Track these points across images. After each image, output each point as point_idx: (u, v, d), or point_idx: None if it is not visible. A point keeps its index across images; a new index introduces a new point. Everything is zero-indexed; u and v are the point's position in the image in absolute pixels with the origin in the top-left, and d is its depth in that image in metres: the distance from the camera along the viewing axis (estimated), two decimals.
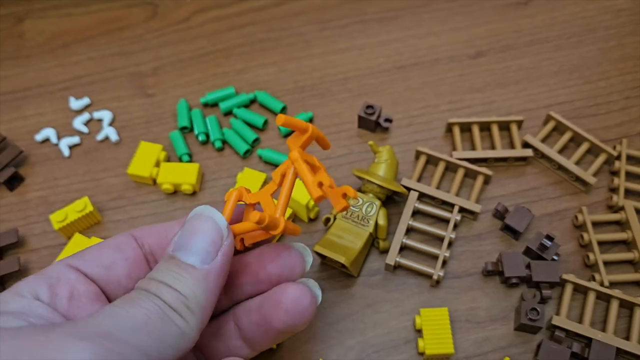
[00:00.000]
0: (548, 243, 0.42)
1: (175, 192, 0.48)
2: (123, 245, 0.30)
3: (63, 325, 0.23)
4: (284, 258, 0.31)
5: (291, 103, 0.52)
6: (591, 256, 0.43)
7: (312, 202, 0.44)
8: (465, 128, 0.49)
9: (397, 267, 0.43)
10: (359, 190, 0.45)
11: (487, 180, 0.46)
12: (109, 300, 0.29)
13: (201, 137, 0.50)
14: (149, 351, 0.23)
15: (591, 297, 0.41)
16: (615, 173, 0.47)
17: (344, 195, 0.28)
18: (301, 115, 0.50)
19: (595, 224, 0.45)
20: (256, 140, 0.50)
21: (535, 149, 0.48)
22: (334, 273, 0.44)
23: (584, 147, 0.48)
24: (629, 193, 0.46)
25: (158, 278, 0.26)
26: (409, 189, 0.45)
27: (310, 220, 0.46)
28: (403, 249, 0.44)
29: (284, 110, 0.52)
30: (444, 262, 0.43)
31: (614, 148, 0.48)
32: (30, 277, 0.27)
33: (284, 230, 0.29)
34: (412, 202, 0.45)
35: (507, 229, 0.45)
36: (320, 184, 0.28)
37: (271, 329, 0.30)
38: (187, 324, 0.25)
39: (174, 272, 0.26)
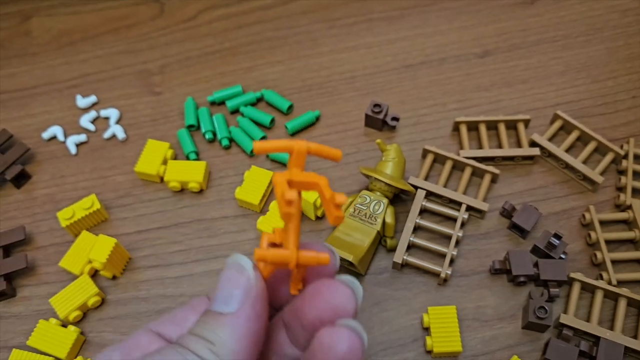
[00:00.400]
0: (556, 242, 0.42)
1: (182, 190, 0.48)
2: (196, 305, 0.29)
3: None
4: (327, 296, 0.26)
5: (298, 101, 0.52)
6: (599, 255, 0.43)
7: (319, 200, 0.44)
8: (473, 127, 0.49)
9: (405, 265, 0.43)
10: (367, 188, 0.45)
11: (494, 178, 0.46)
12: None
13: (208, 135, 0.50)
14: None
15: (599, 295, 0.41)
16: (622, 172, 0.47)
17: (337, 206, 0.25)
18: (308, 114, 0.50)
19: (603, 223, 0.45)
20: (263, 139, 0.50)
21: (542, 148, 0.48)
22: (341, 271, 0.44)
23: (591, 146, 0.48)
24: (636, 192, 0.46)
25: (193, 331, 0.25)
26: (416, 188, 0.45)
27: (318, 218, 0.46)
28: (410, 247, 0.44)
29: (290, 108, 0.52)
30: (452, 261, 0.43)
31: (621, 147, 0.48)
32: (109, 346, 0.27)
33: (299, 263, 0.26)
34: (419, 201, 0.45)
35: (515, 227, 0.45)
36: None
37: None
38: None
39: (203, 322, 0.25)
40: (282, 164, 0.49)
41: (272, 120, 0.51)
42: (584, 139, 0.49)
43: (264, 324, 0.26)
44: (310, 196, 0.43)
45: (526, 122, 0.49)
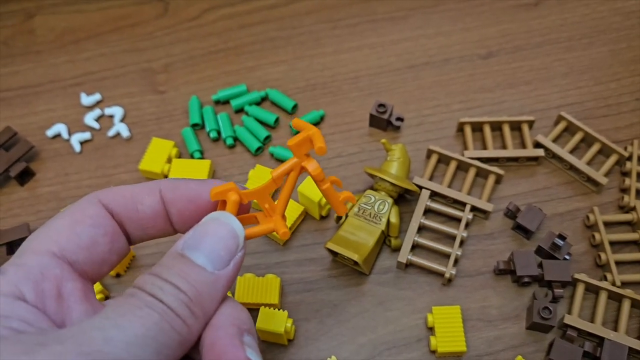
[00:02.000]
0: (560, 242, 0.42)
1: None
2: (97, 218, 0.27)
3: (48, 343, 0.20)
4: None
5: (302, 101, 0.52)
6: (603, 256, 0.43)
7: (324, 200, 0.44)
8: (477, 128, 0.49)
9: (409, 265, 0.43)
10: (371, 188, 0.45)
11: (498, 179, 0.47)
12: (92, 281, 0.27)
13: (213, 134, 0.50)
14: None
15: (603, 296, 0.41)
16: (626, 174, 0.47)
17: (345, 202, 0.32)
18: (312, 114, 0.50)
19: (607, 224, 0.45)
20: (267, 138, 0.50)
21: (546, 149, 0.48)
22: (346, 271, 0.44)
23: (595, 147, 0.48)
24: None
25: (162, 275, 0.23)
26: (420, 188, 0.45)
27: (322, 217, 0.46)
28: (415, 247, 0.44)
29: (295, 108, 0.52)
30: (456, 261, 0.43)
31: (625, 149, 0.48)
32: (8, 269, 0.24)
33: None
34: (424, 201, 0.45)
35: (519, 228, 0.45)
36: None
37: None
38: (189, 330, 0.23)
39: (181, 270, 0.24)
40: None
41: (277, 120, 0.51)
42: (588, 140, 0.49)
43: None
44: (315, 195, 0.43)
45: (530, 123, 0.49)
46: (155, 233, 0.30)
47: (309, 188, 0.44)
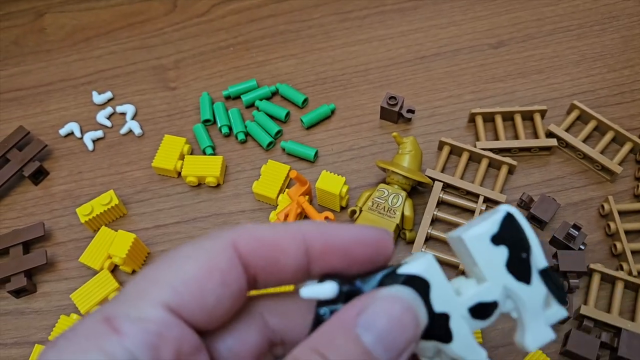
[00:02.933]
0: (575, 232, 0.42)
1: (200, 185, 0.48)
2: (229, 275, 0.22)
3: None
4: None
5: (313, 95, 0.52)
6: (618, 245, 0.43)
7: (344, 191, 0.44)
8: (488, 118, 0.49)
9: None
10: (383, 181, 0.45)
11: (511, 170, 0.46)
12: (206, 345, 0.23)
13: (224, 130, 0.50)
14: None
15: (619, 286, 0.41)
16: None
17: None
18: (323, 108, 0.50)
19: (622, 213, 0.44)
20: (279, 133, 0.50)
21: (559, 139, 0.47)
22: None
23: (609, 136, 0.47)
24: None
25: (330, 357, 0.19)
26: (433, 180, 0.45)
27: (342, 208, 0.46)
28: (428, 239, 0.44)
29: (305, 102, 0.52)
30: None
31: None
32: (125, 327, 0.19)
33: None
34: (436, 193, 0.45)
35: (533, 218, 0.44)
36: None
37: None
38: None
39: (353, 356, 0.19)
40: (299, 158, 0.49)
41: (288, 114, 0.51)
42: (601, 128, 0.48)
43: None
44: (334, 188, 0.43)
45: (543, 113, 0.49)
46: (283, 285, 0.25)
47: (325, 183, 0.44)
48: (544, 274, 0.24)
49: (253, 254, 0.22)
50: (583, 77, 0.51)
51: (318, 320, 0.21)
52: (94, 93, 0.54)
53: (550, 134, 0.48)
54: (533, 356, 0.39)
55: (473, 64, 0.53)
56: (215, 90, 0.53)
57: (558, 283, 0.24)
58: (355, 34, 0.55)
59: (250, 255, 0.22)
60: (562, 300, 0.23)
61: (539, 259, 0.24)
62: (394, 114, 0.49)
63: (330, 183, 0.44)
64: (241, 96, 0.52)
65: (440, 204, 0.45)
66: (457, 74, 0.52)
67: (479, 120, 0.48)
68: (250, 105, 0.52)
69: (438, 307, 0.22)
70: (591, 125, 0.48)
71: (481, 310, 0.23)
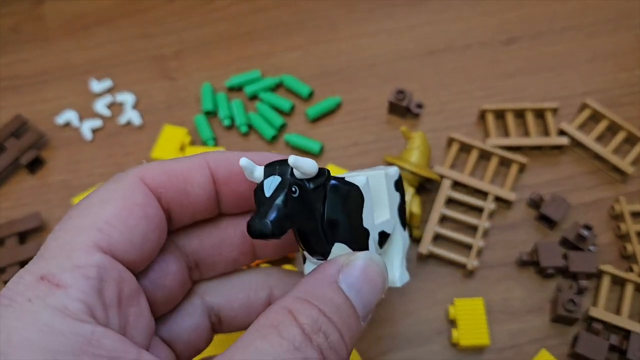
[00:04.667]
0: (585, 233, 0.41)
1: None
2: (147, 208, 0.22)
3: None
4: None
5: (318, 87, 0.51)
6: (629, 247, 0.42)
7: None
8: (499, 115, 0.48)
9: (430, 256, 0.42)
10: None
11: (521, 168, 0.45)
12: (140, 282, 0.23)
13: (226, 122, 0.49)
14: None
15: (629, 288, 0.40)
16: None
17: None
18: (328, 101, 0.49)
19: (633, 215, 0.44)
20: (283, 125, 0.49)
21: (571, 137, 0.46)
22: None
23: (621, 135, 0.46)
24: None
25: (324, 310, 0.21)
26: (441, 177, 0.44)
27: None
28: (436, 237, 0.43)
29: (310, 95, 0.50)
30: (478, 252, 0.42)
31: None
32: (66, 278, 0.19)
33: None
34: (444, 190, 0.43)
35: (542, 218, 0.43)
36: None
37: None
38: None
39: (344, 314, 0.21)
40: (302, 151, 0.47)
41: (292, 107, 0.50)
42: (613, 128, 0.47)
43: None
44: None
45: (554, 111, 0.48)
46: (201, 218, 0.25)
47: None
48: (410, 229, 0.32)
49: (162, 186, 0.23)
50: (595, 75, 0.50)
51: (291, 196, 0.22)
52: (93, 81, 0.52)
53: (561, 133, 0.47)
54: (541, 357, 0.38)
55: (483, 60, 0.52)
56: (217, 81, 0.52)
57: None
58: (362, 27, 0.54)
59: (160, 188, 0.23)
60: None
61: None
62: (402, 109, 0.48)
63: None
64: (244, 87, 0.51)
65: (449, 201, 0.44)
66: (467, 69, 0.51)
67: (489, 117, 0.47)
68: (254, 97, 0.51)
69: (365, 223, 0.25)
70: (603, 124, 0.47)
71: (383, 238, 0.27)
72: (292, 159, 0.21)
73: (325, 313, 0.20)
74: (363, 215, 0.25)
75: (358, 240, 0.24)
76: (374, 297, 0.23)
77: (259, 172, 0.22)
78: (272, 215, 0.21)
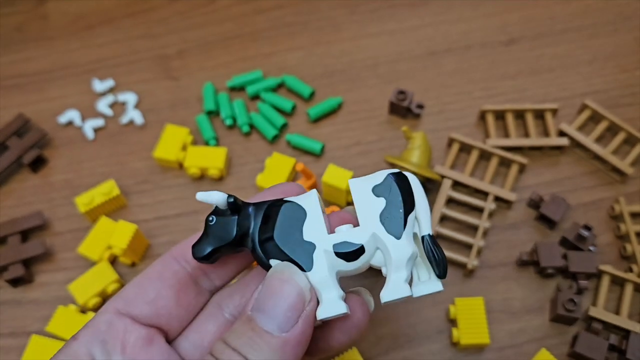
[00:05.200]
0: (585, 233, 0.41)
1: (202, 177, 0.47)
2: (164, 272, 0.28)
3: None
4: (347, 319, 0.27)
5: (320, 88, 0.51)
6: (628, 247, 0.42)
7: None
8: (499, 115, 0.48)
9: None
10: None
11: (521, 168, 0.45)
12: (165, 334, 0.28)
13: (228, 121, 0.49)
14: None
15: (629, 288, 0.41)
16: None
17: None
18: (330, 101, 0.49)
19: (633, 215, 0.44)
20: (284, 125, 0.49)
21: (570, 138, 0.46)
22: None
23: (620, 136, 0.47)
24: None
25: (232, 344, 0.24)
26: (442, 177, 0.44)
27: (349, 204, 0.45)
28: (436, 237, 0.43)
29: (312, 95, 0.51)
30: (478, 252, 0.42)
31: None
32: (82, 334, 0.26)
33: None
34: (445, 190, 0.44)
35: (542, 218, 0.44)
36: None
37: (323, 349, 0.28)
38: None
39: (249, 338, 0.24)
40: (304, 152, 0.48)
41: (294, 107, 0.50)
42: (613, 129, 0.47)
43: (306, 348, 0.25)
44: (342, 182, 0.42)
45: (554, 112, 0.48)
46: (238, 268, 0.29)
47: (332, 177, 0.43)
48: (426, 241, 0.26)
49: (187, 252, 0.28)
50: (595, 77, 0.51)
51: (207, 224, 0.26)
52: (95, 81, 0.53)
53: (561, 133, 0.47)
54: (541, 357, 0.38)
55: (484, 61, 0.52)
56: (220, 81, 0.52)
57: (439, 256, 0.26)
58: (364, 28, 0.55)
59: (186, 255, 0.28)
60: (440, 274, 0.26)
61: (424, 226, 0.26)
62: (403, 109, 0.48)
63: (338, 177, 0.43)
64: (246, 87, 0.51)
65: (449, 201, 0.44)
66: (468, 70, 0.51)
67: (490, 118, 0.48)
68: (255, 97, 0.51)
69: (307, 236, 0.26)
70: (603, 125, 0.47)
71: (346, 250, 0.26)
72: (198, 196, 0.26)
73: (229, 343, 0.24)
74: (304, 230, 0.26)
75: (297, 254, 0.25)
76: (282, 306, 0.24)
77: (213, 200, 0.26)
78: (196, 243, 0.26)
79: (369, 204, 0.26)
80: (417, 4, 0.56)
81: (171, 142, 0.47)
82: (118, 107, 0.52)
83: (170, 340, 0.28)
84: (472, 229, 0.43)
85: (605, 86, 0.50)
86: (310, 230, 0.26)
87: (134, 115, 0.51)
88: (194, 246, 0.26)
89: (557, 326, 0.40)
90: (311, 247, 0.26)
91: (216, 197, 0.26)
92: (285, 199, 0.27)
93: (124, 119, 0.51)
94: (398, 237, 0.26)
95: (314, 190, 0.27)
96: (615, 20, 0.54)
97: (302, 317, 0.24)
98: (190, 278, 0.28)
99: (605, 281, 0.41)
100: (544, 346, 0.39)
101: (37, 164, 0.49)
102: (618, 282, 0.41)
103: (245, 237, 0.26)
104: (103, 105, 0.51)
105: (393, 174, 0.26)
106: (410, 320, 0.41)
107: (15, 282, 0.43)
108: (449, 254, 0.42)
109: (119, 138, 0.50)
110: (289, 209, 0.26)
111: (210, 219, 0.26)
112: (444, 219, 0.44)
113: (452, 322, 0.40)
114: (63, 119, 0.51)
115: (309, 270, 0.25)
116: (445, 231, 0.42)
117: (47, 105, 0.52)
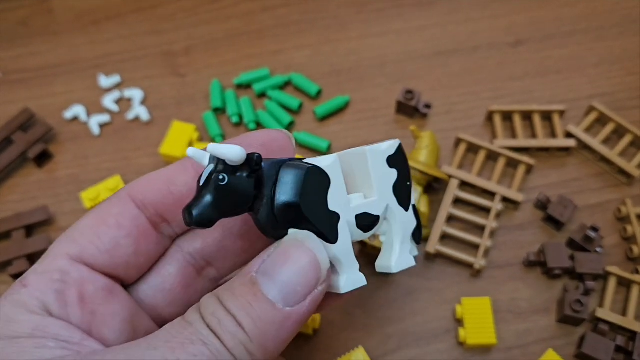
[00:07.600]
0: (592, 234, 0.41)
1: None
2: (122, 218, 0.25)
3: None
4: None
5: (327, 87, 0.51)
6: (635, 249, 0.42)
7: None
8: (506, 116, 0.48)
9: (437, 255, 0.42)
10: None
11: (528, 169, 0.46)
12: (122, 282, 0.26)
13: (235, 119, 0.49)
14: None
15: (635, 290, 0.41)
16: None
17: None
18: (337, 100, 0.49)
19: (639, 217, 0.44)
20: (291, 124, 0.49)
21: (578, 140, 0.47)
22: (373, 260, 0.43)
23: (627, 139, 0.47)
24: None
25: (226, 304, 0.21)
26: (449, 177, 0.44)
27: None
28: (443, 237, 0.43)
29: (319, 93, 0.51)
30: (486, 252, 0.42)
31: None
32: (30, 278, 0.23)
33: None
34: (452, 190, 0.44)
35: (549, 219, 0.44)
36: None
37: None
38: None
39: (247, 303, 0.21)
40: (311, 150, 0.48)
41: (300, 105, 0.50)
42: (620, 131, 0.48)
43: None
44: None
45: (561, 113, 0.48)
46: None
47: None
48: (415, 209, 0.27)
49: (146, 194, 0.25)
50: (601, 79, 0.51)
51: (217, 185, 0.21)
52: (102, 76, 0.52)
53: (568, 135, 0.47)
54: (548, 357, 0.38)
55: (491, 62, 0.52)
56: (226, 78, 0.52)
57: (419, 222, 0.28)
58: (371, 27, 0.55)
59: (144, 196, 0.25)
60: (417, 240, 0.28)
61: (413, 196, 0.27)
62: (410, 109, 0.48)
63: None
64: (253, 85, 0.51)
65: (456, 201, 0.44)
66: (475, 71, 0.51)
67: (497, 118, 0.48)
68: (262, 95, 0.51)
69: (332, 206, 0.24)
70: (609, 127, 0.47)
71: (365, 221, 0.25)
72: (210, 147, 0.21)
73: (223, 302, 0.21)
74: (329, 198, 0.23)
75: (323, 224, 0.23)
76: (294, 278, 0.22)
77: (207, 160, 0.22)
78: (196, 206, 0.21)
79: (384, 176, 0.26)
80: (424, 4, 0.56)
81: (177, 139, 0.47)
82: (124, 103, 0.52)
83: (127, 286, 0.26)
84: (479, 229, 0.43)
85: (612, 89, 0.50)
86: (335, 199, 0.24)
87: (140, 111, 0.50)
88: (190, 209, 0.21)
89: (564, 327, 0.40)
90: (336, 217, 0.24)
91: (233, 152, 0.21)
92: (304, 161, 0.24)
93: (130, 115, 0.50)
94: (406, 209, 0.27)
95: (335, 155, 0.24)
96: (622, 23, 0.54)
97: (311, 296, 0.22)
98: (151, 224, 0.26)
99: (612, 282, 0.41)
100: (550, 347, 0.39)
101: (43, 158, 0.48)
102: (625, 284, 0.41)
103: (255, 200, 0.23)
104: (109, 101, 0.51)
105: (399, 146, 0.27)
106: (417, 320, 0.40)
107: (19, 277, 0.43)
108: (456, 254, 0.42)
109: (124, 134, 0.50)
110: (315, 174, 0.23)
111: (221, 177, 0.22)
112: (451, 219, 0.44)
113: (459, 322, 0.40)
114: (69, 114, 0.51)
115: (335, 242, 0.23)
116: (453, 231, 0.42)
117: (52, 100, 0.52)
